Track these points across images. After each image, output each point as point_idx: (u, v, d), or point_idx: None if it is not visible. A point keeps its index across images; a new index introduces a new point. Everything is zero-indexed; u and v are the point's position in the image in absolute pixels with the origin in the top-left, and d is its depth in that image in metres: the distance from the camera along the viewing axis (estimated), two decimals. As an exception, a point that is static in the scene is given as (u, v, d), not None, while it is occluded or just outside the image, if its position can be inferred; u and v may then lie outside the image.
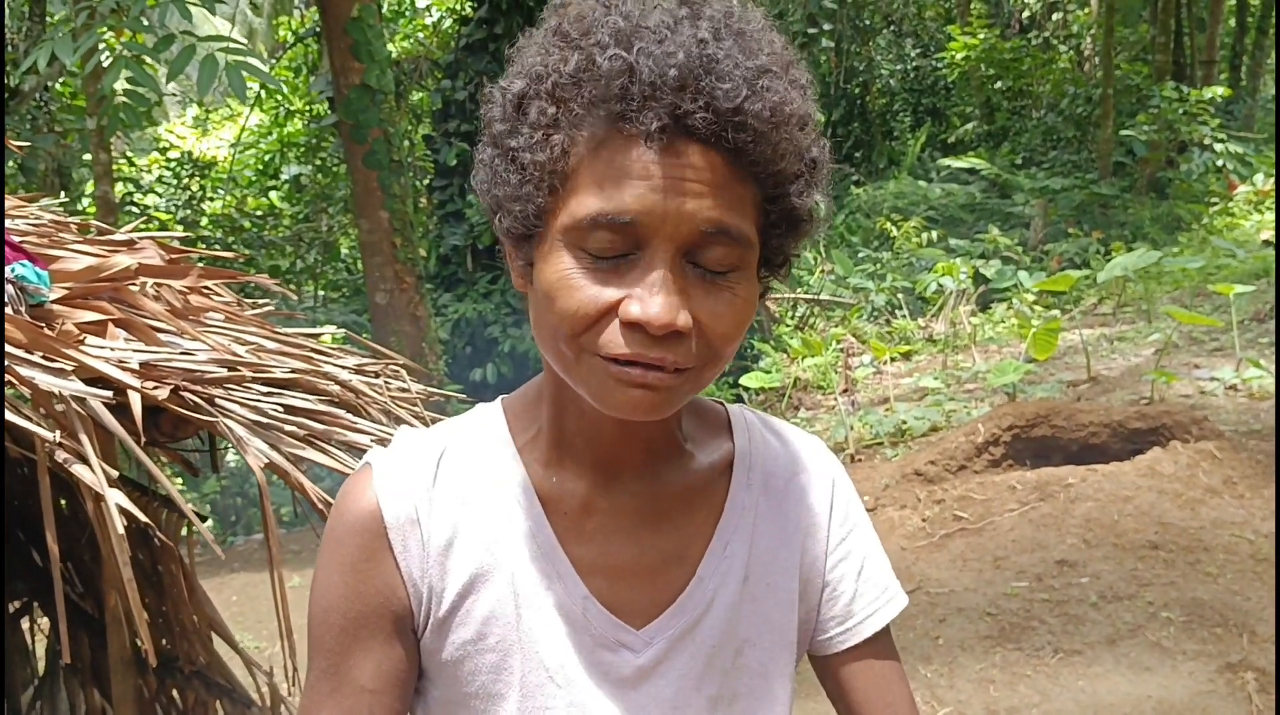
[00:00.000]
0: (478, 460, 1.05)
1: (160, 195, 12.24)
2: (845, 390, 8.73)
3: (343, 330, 3.04)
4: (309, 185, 12.48)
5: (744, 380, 8.91)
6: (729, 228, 0.86)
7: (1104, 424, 5.72)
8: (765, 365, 9.66)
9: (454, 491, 1.03)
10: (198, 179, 12.17)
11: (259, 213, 12.38)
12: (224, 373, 2.06)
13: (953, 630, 4.35)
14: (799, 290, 12.05)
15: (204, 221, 11.83)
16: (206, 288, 2.54)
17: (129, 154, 12.64)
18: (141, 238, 2.56)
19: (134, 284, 2.27)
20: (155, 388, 1.92)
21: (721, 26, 0.87)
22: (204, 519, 2.20)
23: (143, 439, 1.92)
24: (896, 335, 10.76)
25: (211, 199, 12.24)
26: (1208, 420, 5.76)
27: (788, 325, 11.07)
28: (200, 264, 2.66)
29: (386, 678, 1.01)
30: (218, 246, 11.07)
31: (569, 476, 1.04)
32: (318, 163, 12.43)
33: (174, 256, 2.58)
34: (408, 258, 8.49)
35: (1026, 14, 20.19)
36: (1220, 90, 15.00)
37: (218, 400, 2.03)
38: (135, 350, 2.03)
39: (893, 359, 9.48)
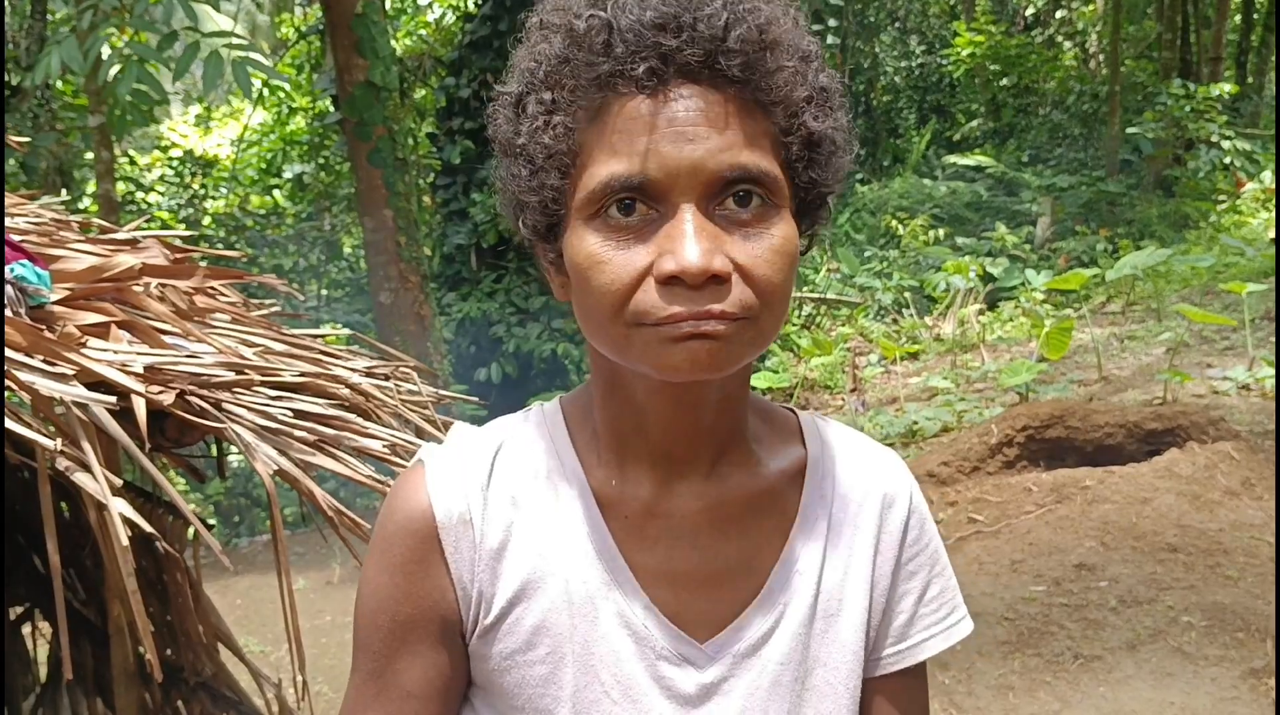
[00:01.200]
0: (535, 460, 1.00)
1: (162, 194, 12.19)
2: (853, 390, 8.67)
3: (349, 331, 2.97)
4: (312, 184, 12.42)
5: (752, 380, 8.86)
6: (746, 165, 0.83)
7: (1119, 425, 5.65)
8: (772, 365, 9.60)
9: (509, 492, 0.98)
10: (200, 177, 12.11)
11: (262, 212, 12.32)
12: (231, 376, 1.99)
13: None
14: (805, 289, 11.98)
15: (206, 220, 11.77)
16: (212, 288, 2.47)
17: (131, 152, 12.58)
18: (145, 237, 2.50)
19: (138, 284, 2.21)
20: (160, 392, 1.86)
21: None
22: (210, 525, 2.13)
23: (147, 445, 1.85)
24: (904, 334, 10.70)
25: (214, 198, 12.18)
26: (1224, 421, 5.69)
27: (794, 324, 11.00)
28: (205, 264, 2.60)
29: (432, 684, 0.97)
30: (220, 245, 11.02)
31: (630, 479, 0.98)
32: (321, 161, 12.37)
33: (178, 256, 2.51)
34: (412, 257, 8.43)
35: (1031, 11, 20.12)
36: (1227, 87, 14.93)
37: (225, 405, 1.96)
38: (139, 353, 1.96)
39: (901, 358, 9.42)
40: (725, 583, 0.99)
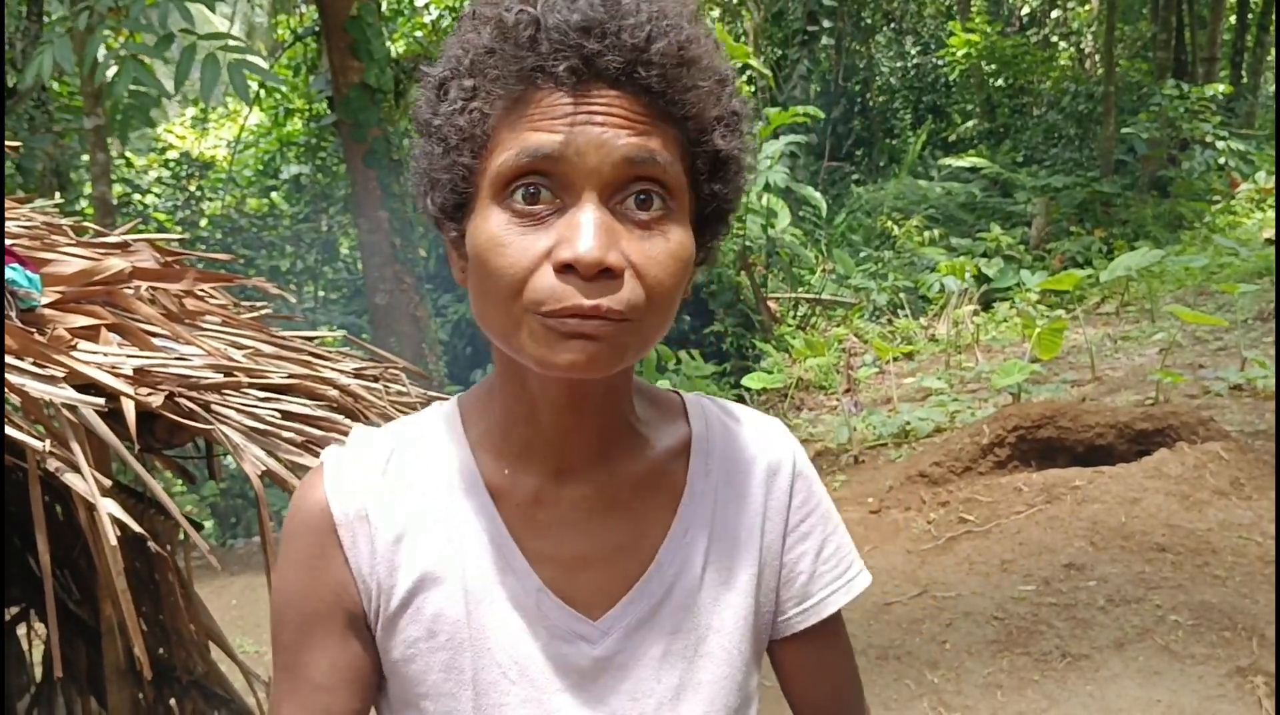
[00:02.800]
0: (430, 456, 1.04)
1: (159, 196, 12.18)
2: (848, 390, 8.68)
3: (341, 332, 3.00)
4: (309, 185, 12.42)
5: (746, 381, 8.87)
6: (654, 158, 0.87)
7: (1110, 425, 5.67)
8: (767, 365, 9.62)
9: (405, 487, 1.03)
10: (196, 179, 12.11)
11: (258, 213, 12.32)
12: (220, 378, 2.02)
13: (959, 635, 4.30)
14: (800, 290, 12.00)
15: (203, 222, 11.77)
16: (202, 291, 2.50)
17: (127, 154, 12.58)
18: (136, 240, 2.52)
19: (128, 288, 2.23)
20: (149, 394, 1.88)
21: None
22: (201, 526, 2.15)
23: (137, 446, 1.88)
24: (899, 335, 10.72)
25: (210, 199, 12.18)
26: (1214, 421, 5.72)
27: (789, 325, 11.01)
28: (197, 267, 2.62)
29: (340, 675, 1.01)
30: (217, 247, 11.02)
31: (521, 469, 1.02)
32: (318, 162, 12.37)
33: (169, 259, 2.53)
34: (407, 258, 8.44)
35: (1026, 11, 20.15)
36: (1221, 87, 14.94)
37: (214, 406, 1.99)
38: (129, 356, 1.99)
39: (895, 359, 9.44)
40: (616, 561, 1.03)
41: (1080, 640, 4.15)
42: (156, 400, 1.87)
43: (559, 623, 1.01)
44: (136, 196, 11.98)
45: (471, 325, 10.75)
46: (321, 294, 12.14)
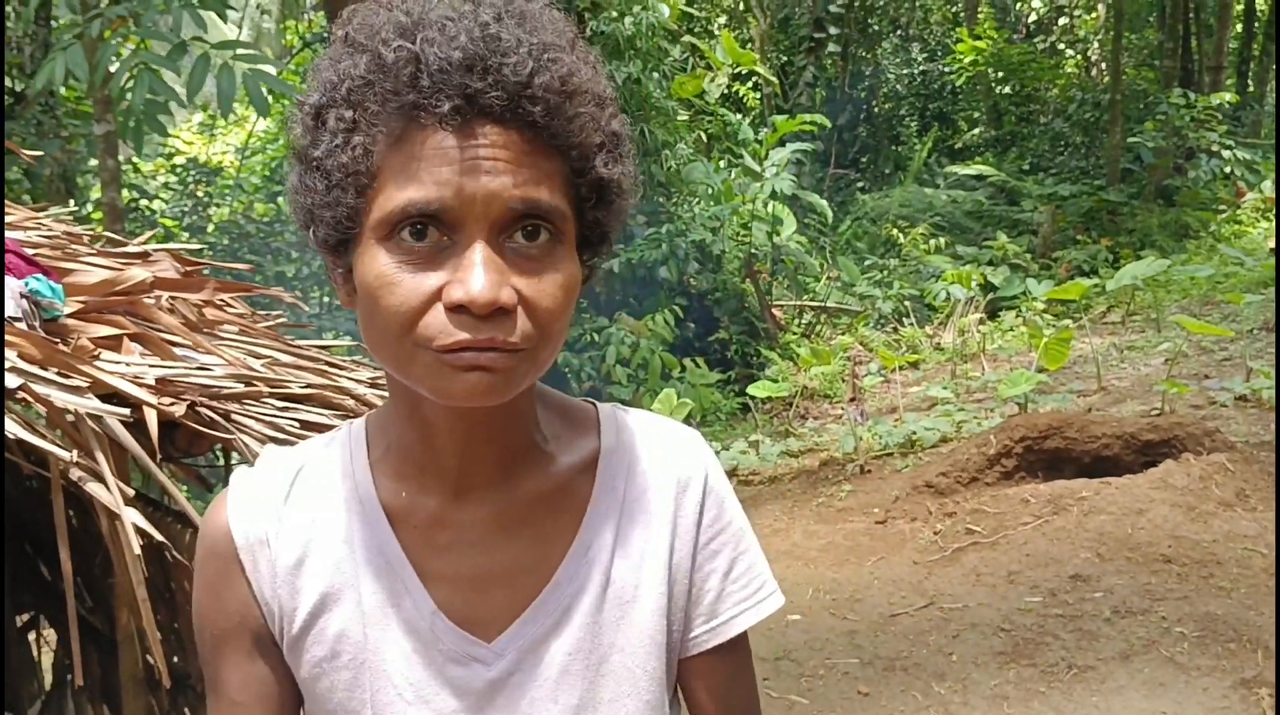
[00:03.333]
0: (331, 478, 1.05)
1: (166, 201, 12.21)
2: (853, 399, 8.69)
3: (351, 339, 3.02)
4: (316, 190, 12.43)
5: (751, 389, 8.87)
6: (537, 201, 0.87)
7: (1116, 436, 5.69)
8: (772, 373, 9.62)
9: (306, 510, 1.04)
10: (203, 185, 12.13)
11: (266, 219, 12.35)
12: (240, 388, 2.04)
13: (966, 646, 4.32)
14: (805, 297, 12.01)
15: (210, 228, 11.79)
16: (221, 300, 2.52)
17: (135, 160, 12.62)
18: (156, 250, 2.54)
19: (149, 297, 2.25)
20: (172, 404, 1.91)
21: (502, 11, 0.88)
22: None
23: (158, 456, 1.90)
24: (904, 343, 10.73)
25: (218, 205, 12.21)
26: (1219, 432, 5.73)
27: (794, 333, 11.03)
28: (215, 277, 2.64)
29: (254, 692, 1.04)
30: (224, 253, 11.04)
31: (419, 489, 1.02)
32: (325, 167, 12.39)
33: (188, 269, 2.56)
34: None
35: (1033, 18, 20.18)
36: (1228, 96, 14.96)
37: (234, 415, 2.01)
38: (151, 365, 2.01)
39: (901, 368, 9.45)
40: (514, 581, 1.03)
41: (1086, 652, 4.16)
42: (179, 410, 1.89)
43: (452, 645, 1.01)
44: (144, 202, 12.01)
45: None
46: (326, 300, 12.16)
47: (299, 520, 1.03)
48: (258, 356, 2.31)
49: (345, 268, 0.94)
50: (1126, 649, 4.14)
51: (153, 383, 1.91)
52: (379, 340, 0.90)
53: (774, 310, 11.12)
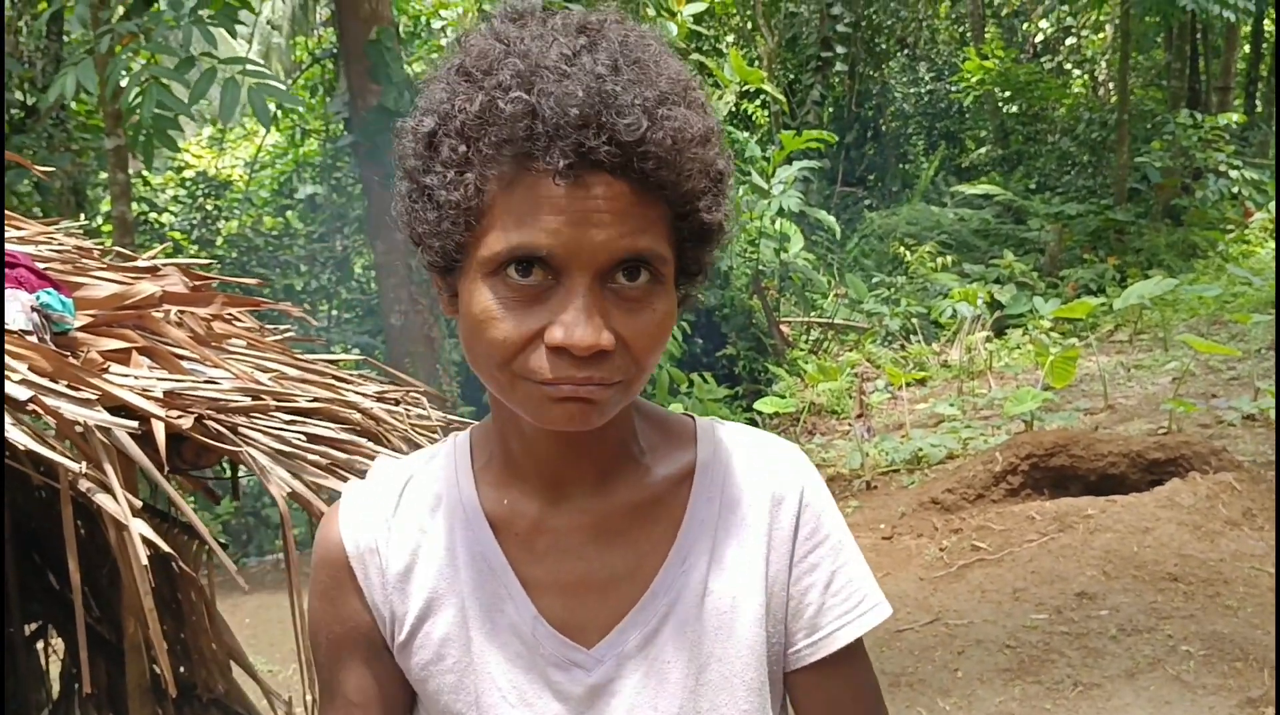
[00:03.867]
0: (438, 488, 1.09)
1: (175, 214, 12.26)
2: (860, 416, 8.69)
3: (361, 356, 3.03)
4: (324, 205, 12.50)
5: (758, 405, 8.88)
6: (642, 252, 0.89)
7: (1122, 454, 5.68)
8: (779, 389, 9.63)
9: (414, 519, 1.08)
10: (213, 198, 12.18)
11: (274, 233, 12.38)
12: (247, 401, 2.05)
13: (971, 663, 4.31)
14: (813, 314, 12.02)
15: (219, 241, 11.83)
16: (230, 314, 2.54)
17: (145, 173, 12.67)
18: (165, 264, 2.56)
19: (158, 311, 2.27)
20: (179, 417, 1.92)
21: (619, 57, 0.89)
22: (225, 546, 2.19)
23: (166, 468, 1.91)
24: (911, 360, 10.73)
25: (227, 218, 12.25)
26: (1226, 451, 5.72)
27: (801, 349, 11.03)
28: (224, 291, 2.66)
29: (367, 693, 1.09)
30: (233, 266, 11.08)
31: (520, 497, 1.06)
32: (333, 182, 12.44)
33: (197, 283, 2.57)
34: (422, 279, 8.48)
35: (1040, 38, 20.20)
36: (1235, 117, 14.95)
37: (241, 429, 2.02)
38: (159, 378, 2.02)
39: (908, 385, 9.45)
40: (612, 589, 1.05)
41: (1092, 669, 4.15)
42: (186, 422, 1.90)
43: (553, 650, 1.04)
44: (153, 215, 12.06)
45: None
46: (335, 313, 12.18)
47: (407, 529, 1.08)
48: (265, 370, 2.32)
49: (451, 291, 0.98)
50: (1132, 667, 4.13)
51: (160, 396, 1.92)
52: (480, 365, 0.94)
53: (781, 326, 11.13)
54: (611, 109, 0.86)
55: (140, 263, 2.59)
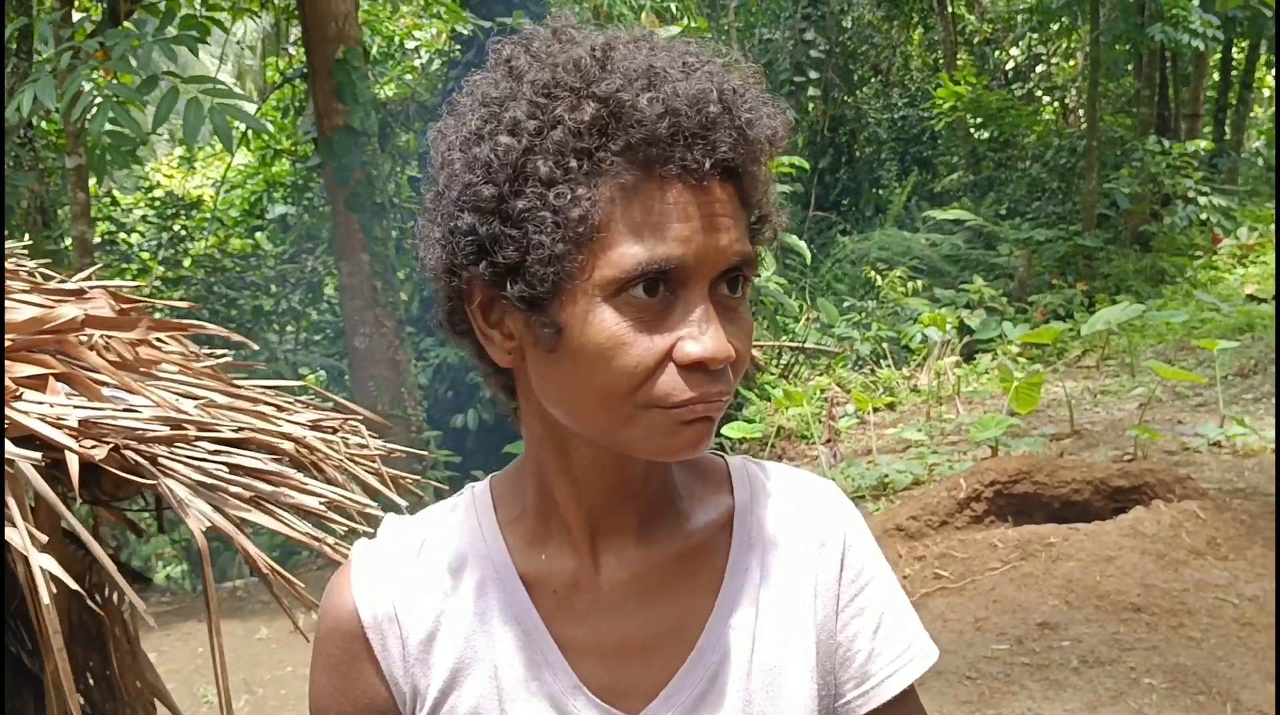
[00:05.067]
0: (461, 546, 1.00)
1: (143, 235, 12.15)
2: (828, 441, 8.66)
3: (302, 382, 2.96)
4: (294, 225, 12.42)
5: (726, 429, 8.83)
6: (750, 256, 0.88)
7: (1086, 481, 5.66)
8: (748, 413, 9.59)
9: (435, 582, 0.99)
10: (181, 218, 12.08)
11: (243, 254, 12.29)
12: (167, 431, 1.98)
13: (931, 695, 4.25)
14: (784, 338, 12.01)
15: (186, 262, 11.73)
16: (160, 339, 2.46)
17: (114, 193, 12.56)
18: (93, 287, 2.49)
19: (81, 336, 2.20)
20: (93, 447, 1.84)
21: (708, 63, 0.88)
22: (148, 580, 2.11)
23: (78, 500, 1.84)
24: (881, 385, 10.72)
25: (195, 239, 12.15)
26: (1191, 479, 5.71)
27: (772, 373, 11.01)
28: (155, 314, 2.59)
29: None
30: (199, 287, 10.98)
31: (556, 552, 0.98)
32: (304, 203, 12.37)
33: (125, 306, 2.50)
34: (388, 301, 8.43)
35: (1011, 65, 20.34)
36: (1204, 144, 15.09)
37: (160, 459, 1.95)
38: (75, 406, 1.95)
39: (876, 410, 9.43)
40: (657, 650, 0.98)
41: (1053, 702, 4.10)
42: (100, 453, 1.83)
43: None
44: (121, 235, 11.95)
45: (454, 369, 10.71)
46: (304, 336, 12.09)
47: (429, 594, 0.98)
48: (194, 397, 2.25)
49: (548, 326, 0.86)
50: (1094, 700, 4.08)
51: (75, 425, 1.85)
52: (595, 403, 0.87)
53: (752, 350, 11.10)
54: (740, 108, 0.85)
55: (67, 285, 2.52)
